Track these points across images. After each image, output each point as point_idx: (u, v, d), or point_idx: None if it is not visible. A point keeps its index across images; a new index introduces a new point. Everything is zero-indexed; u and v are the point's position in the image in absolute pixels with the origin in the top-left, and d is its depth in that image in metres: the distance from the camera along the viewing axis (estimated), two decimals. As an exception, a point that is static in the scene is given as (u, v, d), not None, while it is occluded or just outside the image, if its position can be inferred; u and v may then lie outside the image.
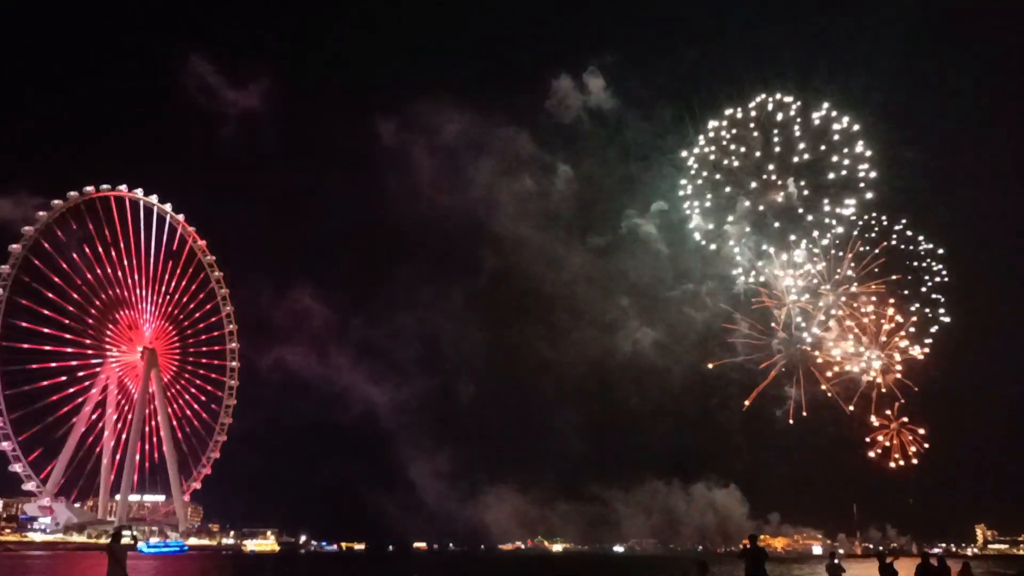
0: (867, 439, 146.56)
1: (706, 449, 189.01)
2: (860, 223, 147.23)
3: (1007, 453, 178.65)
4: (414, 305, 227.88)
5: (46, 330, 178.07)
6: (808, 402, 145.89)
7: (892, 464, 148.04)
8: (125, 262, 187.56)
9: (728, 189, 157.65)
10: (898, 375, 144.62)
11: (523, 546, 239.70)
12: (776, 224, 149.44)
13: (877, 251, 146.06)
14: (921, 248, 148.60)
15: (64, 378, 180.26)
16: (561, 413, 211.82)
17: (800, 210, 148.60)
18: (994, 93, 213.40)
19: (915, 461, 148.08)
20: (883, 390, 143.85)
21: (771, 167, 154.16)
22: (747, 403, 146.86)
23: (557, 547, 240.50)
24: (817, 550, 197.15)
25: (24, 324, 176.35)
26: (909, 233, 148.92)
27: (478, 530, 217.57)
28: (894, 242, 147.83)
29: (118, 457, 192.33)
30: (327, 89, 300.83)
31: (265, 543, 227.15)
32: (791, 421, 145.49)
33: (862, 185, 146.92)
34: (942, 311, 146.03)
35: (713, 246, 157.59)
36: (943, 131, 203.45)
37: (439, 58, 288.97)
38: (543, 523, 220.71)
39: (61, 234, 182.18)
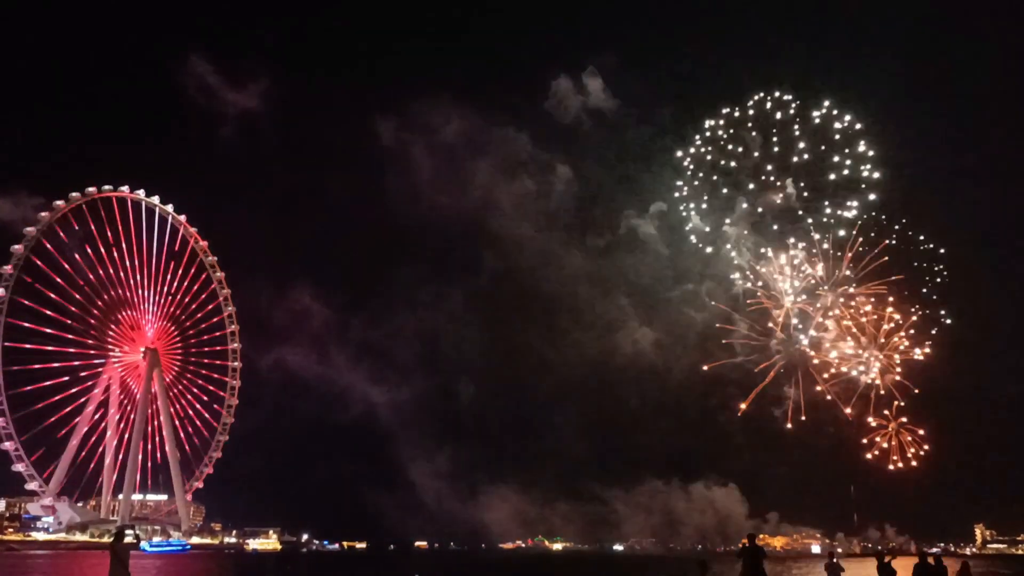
0: (864, 440, 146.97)
1: (705, 449, 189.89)
2: (859, 223, 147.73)
3: (1006, 453, 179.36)
4: (414, 305, 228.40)
5: (48, 330, 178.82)
6: (807, 403, 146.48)
7: (891, 467, 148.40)
8: (127, 263, 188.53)
9: (725, 191, 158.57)
10: (897, 376, 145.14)
11: (523, 545, 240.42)
12: (775, 226, 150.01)
13: (876, 252, 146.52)
14: (920, 248, 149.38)
15: (67, 378, 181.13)
16: (561, 413, 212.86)
17: (800, 212, 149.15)
18: (994, 93, 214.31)
19: (914, 464, 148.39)
20: (881, 392, 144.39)
21: (769, 168, 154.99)
22: (743, 406, 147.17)
23: (557, 546, 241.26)
24: (816, 549, 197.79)
25: (26, 324, 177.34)
26: (909, 233, 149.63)
27: (478, 529, 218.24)
28: (893, 242, 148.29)
29: (120, 457, 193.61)
30: (327, 89, 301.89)
31: (267, 542, 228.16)
32: (789, 425, 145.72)
33: (863, 186, 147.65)
34: (942, 312, 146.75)
35: (709, 249, 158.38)
36: (943, 131, 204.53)
37: (439, 59, 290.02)
38: (543, 522, 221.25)
39: (63, 235, 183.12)
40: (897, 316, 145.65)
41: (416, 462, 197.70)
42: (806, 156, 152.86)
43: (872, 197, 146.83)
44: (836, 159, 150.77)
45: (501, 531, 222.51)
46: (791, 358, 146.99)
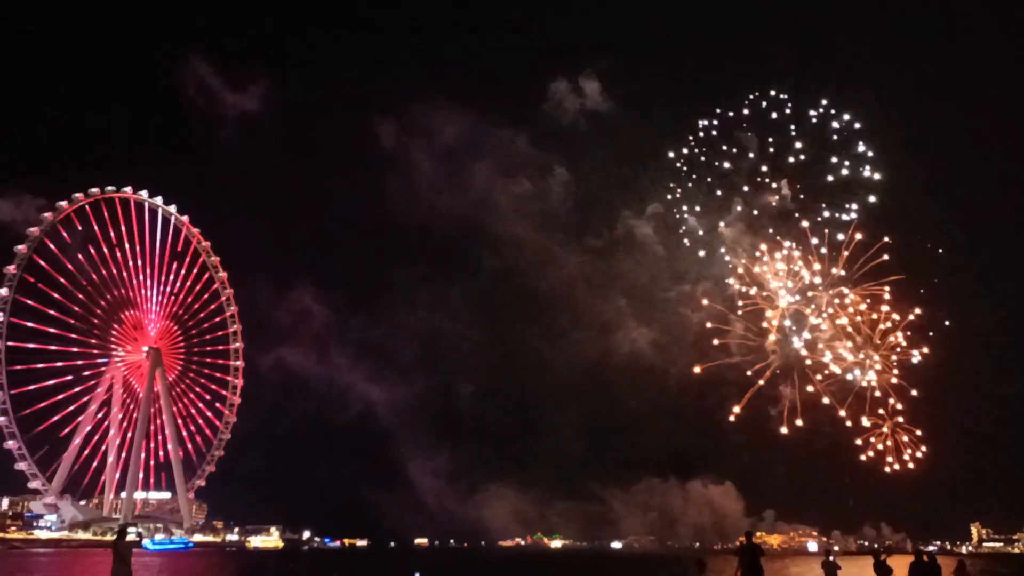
0: (859, 442, 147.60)
1: (702, 447, 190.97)
2: (856, 224, 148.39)
3: (1002, 452, 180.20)
4: (414, 305, 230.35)
5: (51, 330, 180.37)
6: (803, 403, 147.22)
7: (887, 469, 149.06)
8: (130, 263, 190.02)
9: (719, 193, 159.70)
10: (893, 378, 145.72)
11: (523, 543, 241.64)
12: (770, 227, 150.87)
13: (872, 252, 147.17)
14: (916, 249, 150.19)
15: (69, 377, 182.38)
16: (559, 412, 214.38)
17: (795, 213, 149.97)
18: (994, 93, 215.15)
19: (911, 466, 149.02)
20: (876, 394, 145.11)
21: (764, 168, 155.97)
22: (737, 409, 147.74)
23: (556, 544, 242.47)
24: (812, 547, 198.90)
25: (29, 324, 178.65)
26: (905, 234, 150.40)
27: (477, 527, 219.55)
28: (889, 242, 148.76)
29: (123, 455, 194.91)
30: (327, 92, 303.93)
31: (269, 540, 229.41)
32: (784, 429, 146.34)
33: (860, 187, 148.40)
34: (938, 312, 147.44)
35: (702, 253, 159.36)
36: (944, 130, 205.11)
37: (438, 61, 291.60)
38: (541, 520, 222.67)
39: (67, 235, 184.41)
40: (896, 316, 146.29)
41: (415, 461, 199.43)
42: (802, 157, 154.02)
43: (872, 199, 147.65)
44: (834, 160, 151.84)
45: (500, 529, 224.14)
46: (787, 359, 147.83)
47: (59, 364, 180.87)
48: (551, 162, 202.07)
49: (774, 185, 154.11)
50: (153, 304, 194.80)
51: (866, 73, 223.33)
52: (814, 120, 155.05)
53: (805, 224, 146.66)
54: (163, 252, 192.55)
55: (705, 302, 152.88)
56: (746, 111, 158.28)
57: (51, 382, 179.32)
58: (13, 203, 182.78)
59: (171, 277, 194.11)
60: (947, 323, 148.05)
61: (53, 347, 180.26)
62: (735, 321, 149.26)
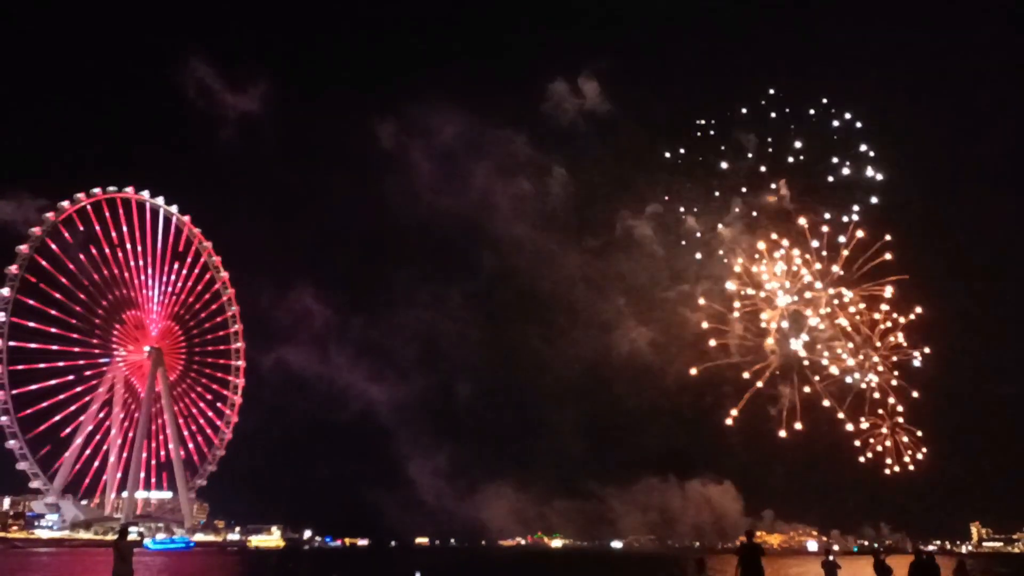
0: (857, 443, 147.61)
1: (701, 447, 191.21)
2: (855, 223, 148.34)
3: (1002, 451, 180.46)
4: (413, 305, 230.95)
5: (53, 330, 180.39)
6: (802, 404, 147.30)
7: (887, 471, 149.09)
8: (132, 263, 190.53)
9: (718, 193, 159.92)
10: (893, 377, 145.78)
11: (523, 542, 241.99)
12: (769, 227, 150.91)
13: (871, 252, 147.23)
14: (917, 248, 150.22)
15: (71, 377, 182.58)
16: (558, 411, 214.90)
17: (795, 213, 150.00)
18: (994, 93, 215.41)
19: (911, 468, 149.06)
20: (876, 396, 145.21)
21: (763, 169, 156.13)
22: (735, 412, 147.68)
23: (556, 543, 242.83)
24: (812, 546, 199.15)
25: (31, 324, 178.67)
26: (906, 234, 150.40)
27: (477, 527, 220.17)
28: (890, 241, 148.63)
29: (124, 455, 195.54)
30: (327, 92, 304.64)
31: (270, 539, 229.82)
32: (783, 433, 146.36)
33: (860, 187, 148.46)
34: (939, 312, 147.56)
35: (699, 255, 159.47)
36: (943, 130, 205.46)
37: (437, 62, 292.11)
38: (541, 520, 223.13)
39: (68, 235, 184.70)
40: (894, 315, 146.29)
41: (415, 460, 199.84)
42: (802, 156, 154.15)
43: (873, 200, 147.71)
44: (835, 160, 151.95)
45: (500, 528, 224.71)
46: (785, 360, 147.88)
47: (61, 364, 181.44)
48: (550, 162, 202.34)
49: (773, 185, 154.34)
50: (154, 304, 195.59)
51: (865, 73, 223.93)
52: (813, 119, 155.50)
53: (804, 223, 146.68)
54: (164, 252, 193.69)
55: (702, 301, 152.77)
56: (744, 111, 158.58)
57: (53, 382, 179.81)
58: (14, 203, 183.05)
59: (172, 277, 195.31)
60: (947, 323, 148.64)
61: (55, 347, 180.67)
62: (734, 321, 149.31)
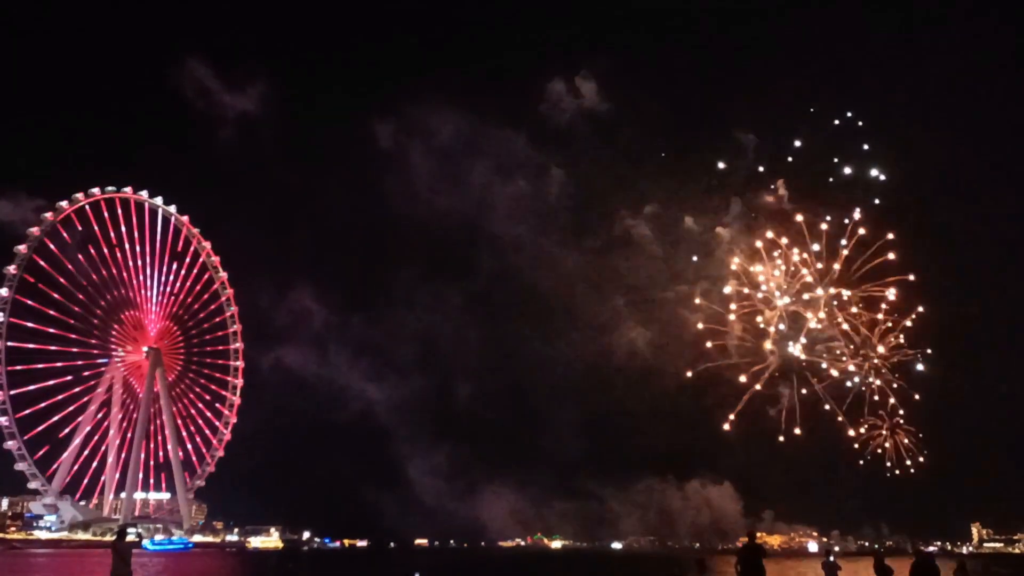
0: (856, 445, 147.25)
1: (700, 447, 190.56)
2: (854, 223, 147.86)
3: (1002, 452, 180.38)
4: (412, 305, 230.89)
5: (51, 330, 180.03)
6: (802, 404, 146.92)
7: (888, 475, 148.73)
8: (130, 263, 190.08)
9: (717, 193, 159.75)
10: (893, 379, 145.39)
11: (523, 543, 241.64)
12: (768, 227, 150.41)
13: (870, 253, 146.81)
14: (917, 249, 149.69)
15: (69, 377, 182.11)
16: (558, 412, 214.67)
17: (794, 213, 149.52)
18: (994, 93, 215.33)
19: (911, 469, 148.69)
20: (875, 398, 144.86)
21: (761, 169, 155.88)
22: (732, 416, 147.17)
23: (556, 544, 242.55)
24: (812, 547, 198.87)
25: (29, 324, 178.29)
26: (906, 234, 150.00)
27: (477, 527, 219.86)
28: (892, 239, 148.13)
29: (123, 455, 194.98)
30: (326, 92, 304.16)
31: (269, 540, 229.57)
32: (782, 438, 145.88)
33: (860, 187, 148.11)
34: (939, 312, 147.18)
35: (695, 258, 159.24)
36: (943, 130, 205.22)
37: (435, 62, 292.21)
38: (540, 520, 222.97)
39: (67, 235, 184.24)
40: (895, 316, 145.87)
41: (414, 460, 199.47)
42: (801, 156, 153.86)
43: (874, 200, 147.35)
44: (835, 159, 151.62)
45: (499, 529, 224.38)
46: (784, 361, 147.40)
47: (59, 364, 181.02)
48: (549, 162, 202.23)
49: (772, 186, 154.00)
50: (153, 304, 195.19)
51: (866, 72, 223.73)
52: (814, 118, 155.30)
53: (802, 222, 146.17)
54: (163, 252, 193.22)
55: (697, 301, 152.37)
56: (743, 110, 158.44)
57: (51, 382, 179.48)
58: (13, 203, 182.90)
59: (171, 277, 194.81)
60: (947, 323, 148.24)
61: (53, 347, 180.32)
62: (732, 322, 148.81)
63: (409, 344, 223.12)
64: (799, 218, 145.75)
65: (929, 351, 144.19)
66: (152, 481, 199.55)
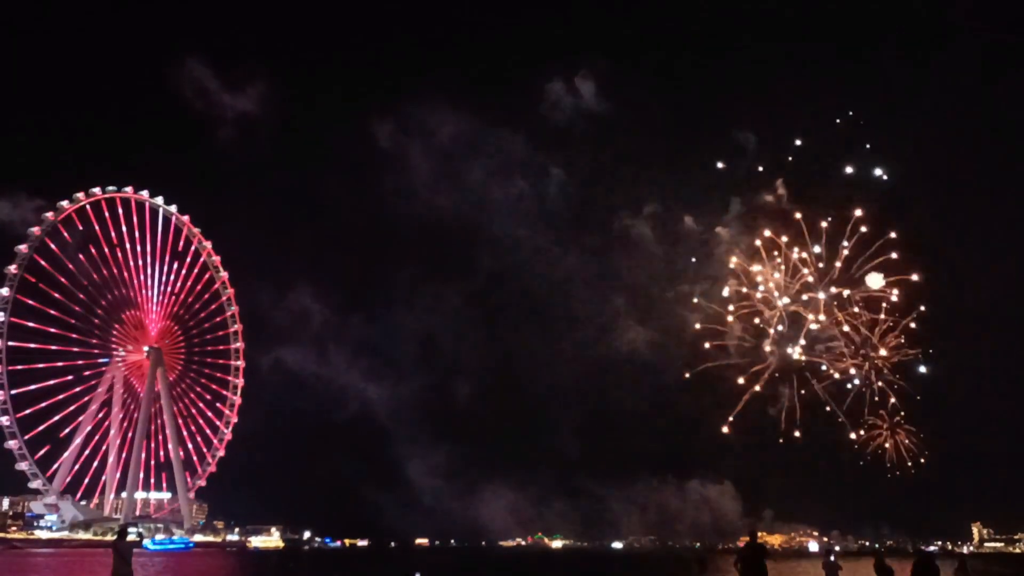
0: (856, 446, 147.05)
1: (700, 447, 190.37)
2: (854, 222, 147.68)
3: (1003, 452, 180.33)
4: (411, 305, 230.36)
5: (52, 330, 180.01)
6: (802, 404, 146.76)
7: (888, 475, 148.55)
8: (131, 263, 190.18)
9: (716, 192, 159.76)
10: (893, 378, 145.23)
11: (523, 543, 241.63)
12: (768, 227, 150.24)
13: (871, 252, 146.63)
14: (917, 248, 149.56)
15: (70, 377, 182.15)
16: (557, 411, 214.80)
17: (794, 213, 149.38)
18: (993, 94, 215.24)
19: (913, 470, 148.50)
20: (876, 399, 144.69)
21: (761, 169, 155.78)
22: (731, 418, 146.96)
23: (556, 544, 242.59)
24: (813, 547, 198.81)
25: (30, 324, 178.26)
26: (905, 235, 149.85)
27: (477, 527, 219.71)
28: (894, 238, 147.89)
29: (124, 455, 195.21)
30: (325, 92, 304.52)
31: (269, 540, 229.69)
32: (781, 440, 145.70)
33: (860, 187, 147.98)
34: (937, 312, 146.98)
35: (693, 260, 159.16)
36: (943, 129, 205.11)
37: (435, 62, 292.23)
38: (540, 520, 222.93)
39: (68, 235, 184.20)
40: (896, 316, 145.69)
41: (414, 460, 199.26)
42: (801, 155, 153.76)
43: (872, 200, 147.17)
44: (834, 159, 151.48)
45: (499, 529, 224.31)
46: (784, 361, 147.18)
47: (60, 364, 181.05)
48: (548, 162, 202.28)
49: (773, 186, 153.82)
50: (154, 304, 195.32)
51: (866, 71, 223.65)
52: (813, 118, 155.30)
53: (802, 223, 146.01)
54: (164, 252, 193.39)
55: (695, 300, 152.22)
56: (743, 110, 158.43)
57: (52, 382, 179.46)
58: (13, 203, 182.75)
59: (172, 277, 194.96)
60: (947, 323, 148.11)
61: (54, 347, 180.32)
62: (732, 322, 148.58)
63: (409, 344, 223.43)
64: (798, 216, 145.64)
65: (931, 351, 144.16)
66: (153, 481, 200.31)
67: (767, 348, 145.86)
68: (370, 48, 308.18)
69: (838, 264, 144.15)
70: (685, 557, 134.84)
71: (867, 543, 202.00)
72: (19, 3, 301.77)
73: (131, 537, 26.57)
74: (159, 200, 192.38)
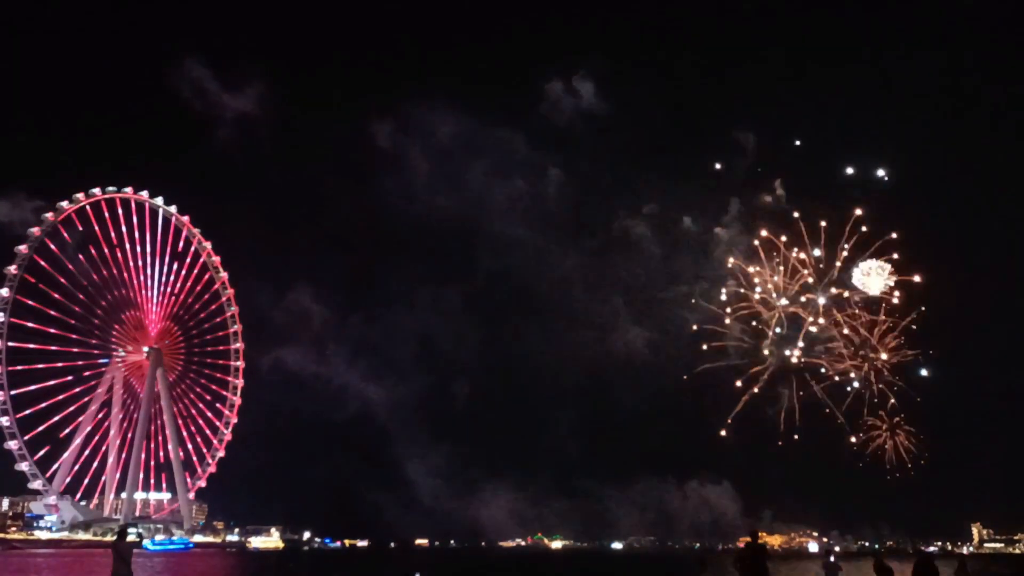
0: (856, 447, 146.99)
1: (699, 447, 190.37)
2: (854, 222, 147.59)
3: (1003, 452, 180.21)
4: (411, 305, 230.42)
5: (52, 330, 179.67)
6: (801, 405, 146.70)
7: (888, 476, 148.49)
8: (131, 263, 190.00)
9: (716, 193, 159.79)
10: (893, 379, 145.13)
11: (523, 543, 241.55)
12: (767, 227, 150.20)
13: (871, 252, 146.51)
14: (917, 248, 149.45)
15: (70, 378, 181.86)
16: (557, 412, 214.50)
17: (794, 213, 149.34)
18: (993, 95, 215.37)
19: (911, 469, 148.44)
20: (875, 400, 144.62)
21: (760, 169, 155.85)
22: (729, 421, 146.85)
23: (556, 544, 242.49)
24: (813, 548, 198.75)
25: (30, 324, 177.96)
26: (905, 235, 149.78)
27: (476, 527, 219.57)
28: (891, 239, 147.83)
29: (123, 455, 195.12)
30: (324, 92, 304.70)
31: (269, 540, 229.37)
32: (780, 443, 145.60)
33: (860, 187, 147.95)
34: (937, 312, 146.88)
35: (696, 258, 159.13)
36: (943, 129, 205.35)
37: (434, 62, 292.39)
38: (539, 520, 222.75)
39: (67, 236, 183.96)
40: (896, 316, 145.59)
41: (413, 460, 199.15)
42: (800, 155, 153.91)
43: (873, 199, 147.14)
44: (836, 159, 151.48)
45: (499, 529, 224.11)
46: (783, 362, 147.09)
47: (60, 364, 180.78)
48: (547, 163, 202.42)
49: (772, 186, 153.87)
50: (154, 304, 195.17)
51: (867, 70, 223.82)
52: (813, 118, 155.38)
53: (801, 223, 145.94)
54: (164, 252, 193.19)
55: (694, 301, 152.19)
56: (743, 110, 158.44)
57: (52, 382, 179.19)
58: (13, 203, 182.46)
59: (171, 277, 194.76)
60: (947, 324, 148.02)
61: (54, 347, 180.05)
62: (731, 323, 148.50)
63: (408, 344, 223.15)
64: (797, 216, 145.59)
65: (931, 352, 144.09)
66: (153, 481, 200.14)
67: (766, 349, 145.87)
68: (370, 48, 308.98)
69: (837, 265, 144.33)
70: (685, 557, 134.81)
71: (867, 544, 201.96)
72: (19, 3, 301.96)
73: (131, 538, 26.49)
74: (159, 200, 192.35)
